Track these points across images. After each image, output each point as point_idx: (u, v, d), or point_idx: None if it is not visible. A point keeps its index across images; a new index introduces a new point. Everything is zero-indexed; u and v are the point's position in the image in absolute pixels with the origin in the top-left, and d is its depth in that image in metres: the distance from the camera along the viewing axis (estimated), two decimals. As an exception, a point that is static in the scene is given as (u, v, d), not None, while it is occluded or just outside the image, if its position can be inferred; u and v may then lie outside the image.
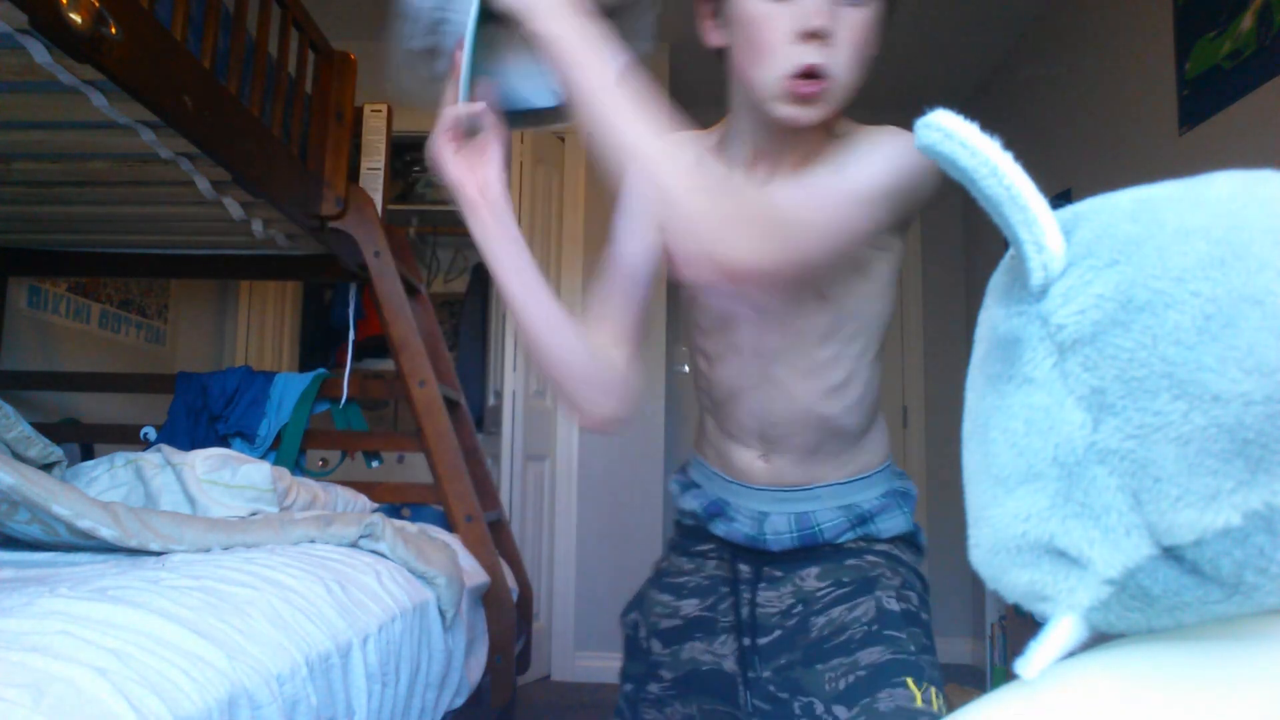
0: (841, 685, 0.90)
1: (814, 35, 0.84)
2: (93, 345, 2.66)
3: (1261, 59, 2.03)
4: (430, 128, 0.90)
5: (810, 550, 1.01)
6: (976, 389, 0.47)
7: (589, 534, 3.42)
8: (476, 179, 0.91)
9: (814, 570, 1.00)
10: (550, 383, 0.95)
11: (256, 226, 1.95)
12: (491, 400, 3.45)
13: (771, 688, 0.96)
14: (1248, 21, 2.08)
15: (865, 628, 0.93)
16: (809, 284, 0.91)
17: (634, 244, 0.99)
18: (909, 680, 0.88)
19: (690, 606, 1.06)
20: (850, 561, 0.99)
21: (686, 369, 3.99)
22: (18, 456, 1.76)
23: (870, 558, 1.00)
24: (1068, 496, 0.41)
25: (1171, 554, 0.39)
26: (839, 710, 0.88)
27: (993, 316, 0.46)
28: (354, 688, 1.21)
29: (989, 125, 0.40)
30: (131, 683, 0.76)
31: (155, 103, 1.32)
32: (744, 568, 1.04)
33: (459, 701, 1.72)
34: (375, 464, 2.39)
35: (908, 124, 0.44)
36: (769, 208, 0.80)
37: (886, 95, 3.98)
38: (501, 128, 0.89)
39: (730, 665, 1.01)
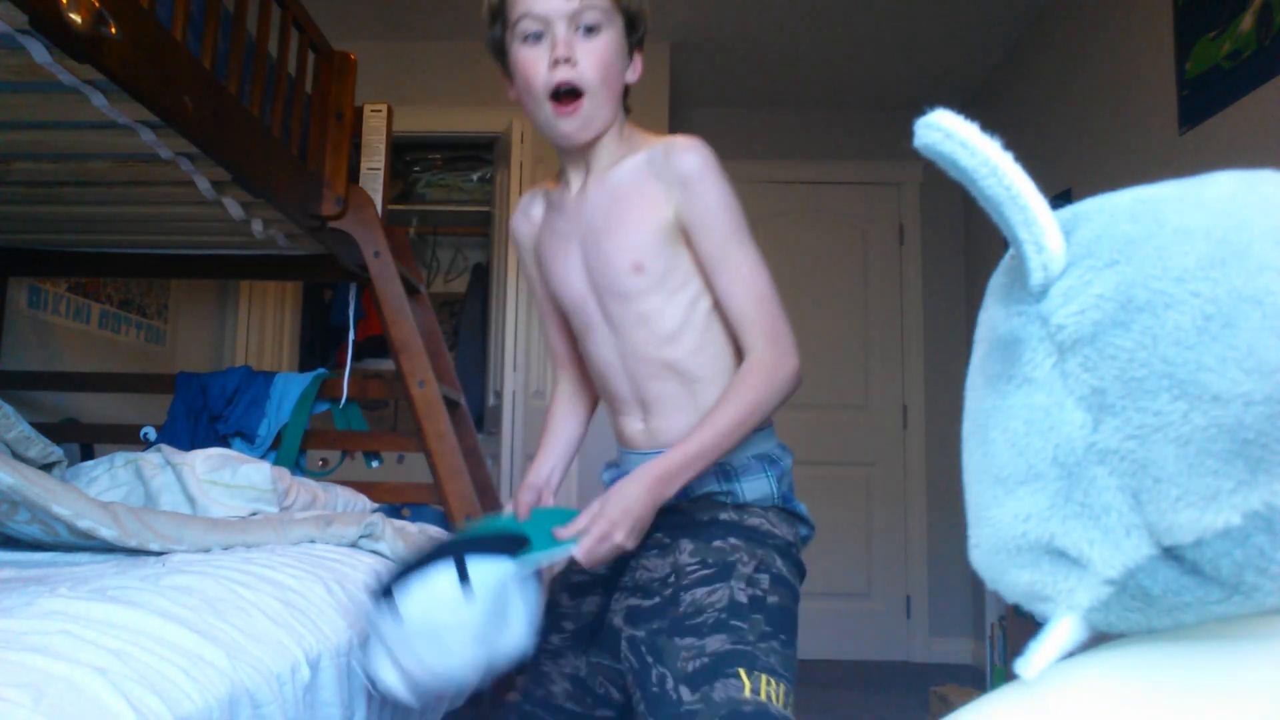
0: (690, 667, 1.00)
1: (560, 61, 1.08)
2: (93, 345, 2.66)
3: (1261, 59, 2.03)
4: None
5: (689, 516, 1.11)
6: (976, 389, 0.47)
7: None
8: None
9: (690, 545, 1.09)
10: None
11: (256, 226, 1.95)
12: (491, 400, 3.45)
13: (643, 648, 1.06)
14: (1248, 21, 2.08)
15: (717, 614, 1.02)
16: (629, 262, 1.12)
17: (537, 286, 1.32)
18: (741, 670, 0.97)
19: (585, 575, 1.20)
20: (716, 543, 1.08)
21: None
22: (18, 456, 1.76)
23: (734, 539, 1.08)
24: (1068, 497, 0.41)
25: (1171, 554, 0.39)
26: (684, 691, 0.99)
27: (993, 316, 0.46)
28: (355, 688, 1.21)
29: (989, 125, 0.40)
30: (131, 682, 0.76)
31: (155, 103, 1.32)
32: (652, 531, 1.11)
33: (459, 701, 1.72)
34: (375, 464, 2.39)
35: (908, 124, 0.44)
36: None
37: (887, 95, 3.98)
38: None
39: (618, 621, 1.11)
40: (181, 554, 1.32)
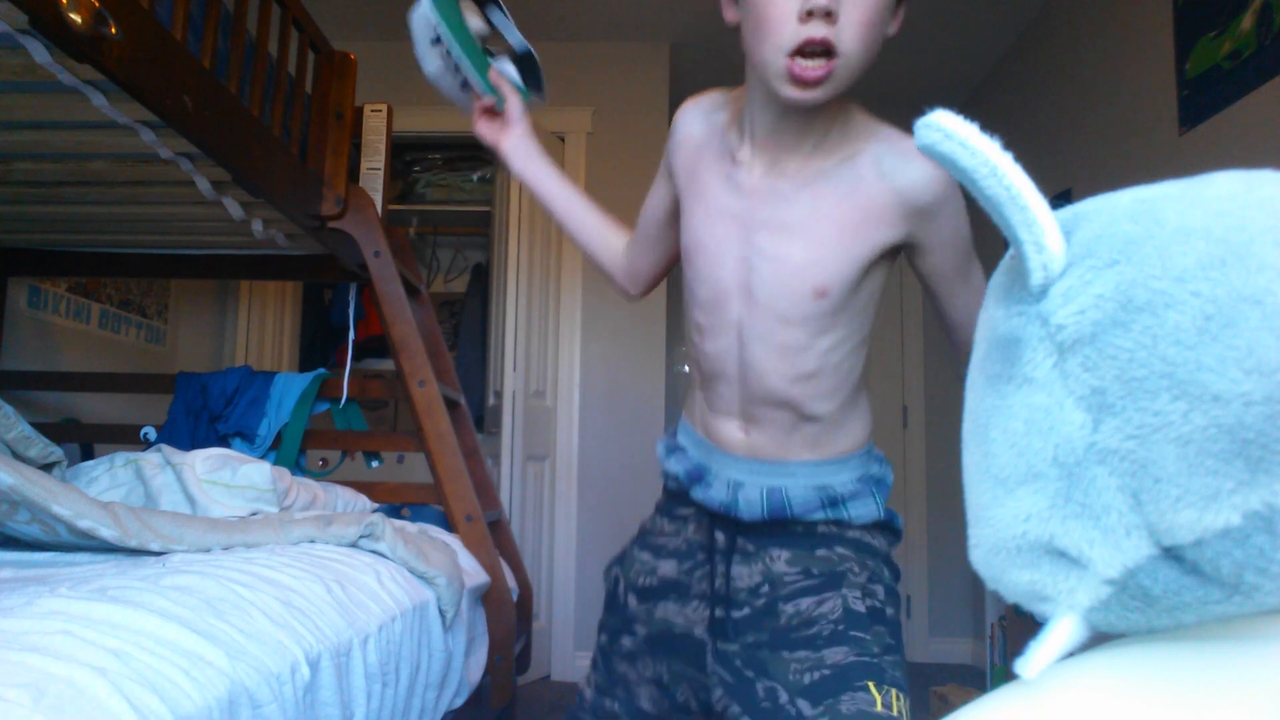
0: (806, 680, 0.93)
1: (817, 13, 0.85)
2: (93, 345, 2.66)
3: (1261, 59, 2.03)
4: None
5: (782, 528, 1.02)
6: (976, 389, 0.47)
7: (589, 534, 3.42)
8: (505, 138, 1.23)
9: (785, 554, 1.01)
10: (591, 262, 1.29)
11: (256, 226, 1.95)
12: (491, 400, 3.45)
13: (738, 662, 0.99)
14: (1248, 21, 2.08)
15: (832, 625, 0.96)
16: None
17: (655, 199, 1.17)
18: (870, 684, 0.91)
19: (668, 568, 1.09)
20: (820, 552, 1.00)
21: (686, 369, 3.99)
22: (18, 456, 1.76)
23: (840, 549, 1.01)
24: (1068, 497, 0.41)
25: (1171, 554, 0.39)
26: (803, 705, 0.92)
27: (993, 316, 0.46)
28: (354, 688, 1.21)
29: (989, 125, 0.40)
30: (131, 682, 0.76)
31: (155, 103, 1.32)
32: (720, 536, 1.05)
33: (459, 701, 1.72)
34: (375, 464, 2.39)
35: (908, 124, 0.44)
36: None
37: (887, 95, 3.98)
38: (514, 98, 1.23)
39: (700, 632, 1.04)
40: (181, 554, 1.32)
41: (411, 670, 1.45)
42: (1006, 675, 2.75)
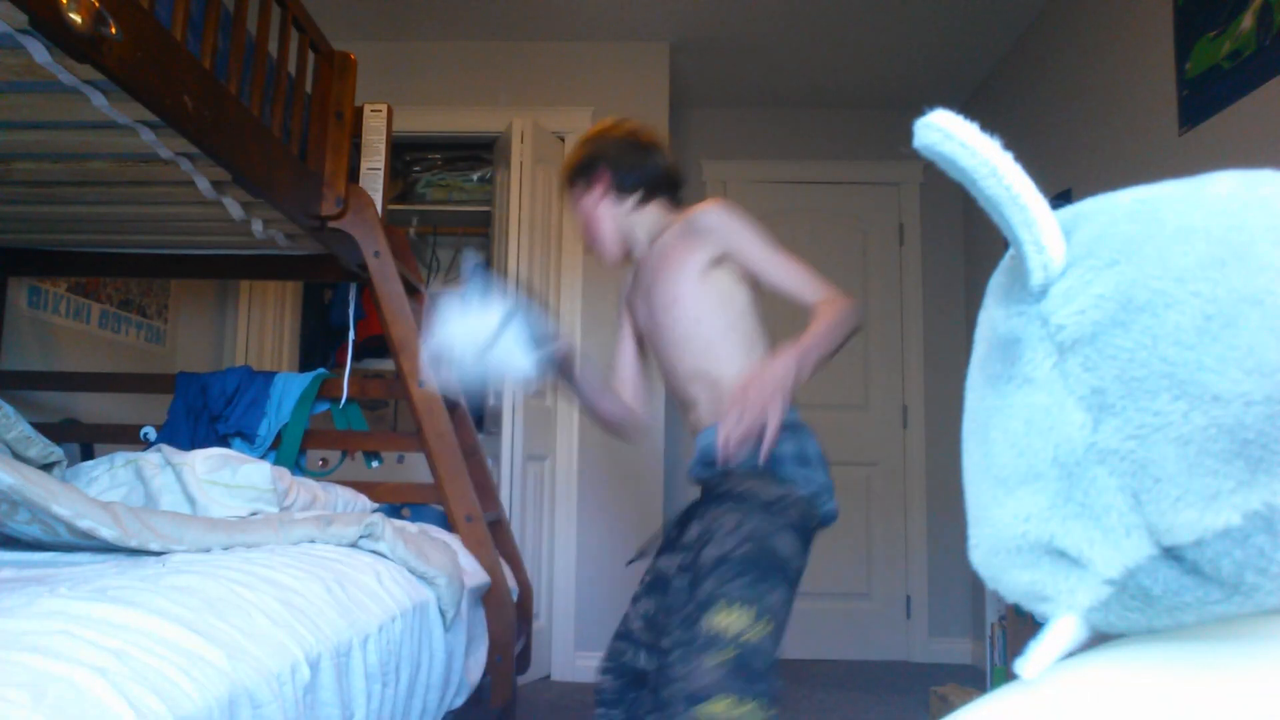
0: (679, 616, 1.31)
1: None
2: (93, 345, 2.66)
3: (1261, 59, 2.03)
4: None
5: (710, 488, 1.43)
6: (976, 389, 0.47)
7: (589, 534, 3.42)
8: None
9: (711, 511, 1.38)
10: (606, 427, 1.66)
11: (256, 226, 1.95)
12: (491, 400, 3.45)
13: (685, 589, 1.35)
14: (1248, 21, 2.08)
15: (708, 567, 1.30)
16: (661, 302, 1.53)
17: (628, 332, 1.69)
18: (720, 603, 1.25)
19: (675, 528, 1.51)
20: (727, 506, 1.36)
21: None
22: (18, 456, 1.76)
23: (727, 507, 1.35)
24: (1068, 497, 0.41)
25: (1171, 554, 0.39)
26: (677, 635, 1.29)
27: (993, 316, 0.46)
28: (354, 688, 1.21)
29: (989, 125, 0.40)
30: (131, 683, 0.76)
31: (155, 103, 1.32)
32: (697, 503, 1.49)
33: (459, 701, 1.72)
34: (375, 464, 2.39)
35: (908, 124, 0.44)
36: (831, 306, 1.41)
37: (887, 95, 3.99)
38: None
39: (672, 571, 1.43)
40: (181, 554, 1.32)
41: (411, 670, 1.45)
42: (1006, 675, 2.75)
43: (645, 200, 1.60)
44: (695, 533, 1.38)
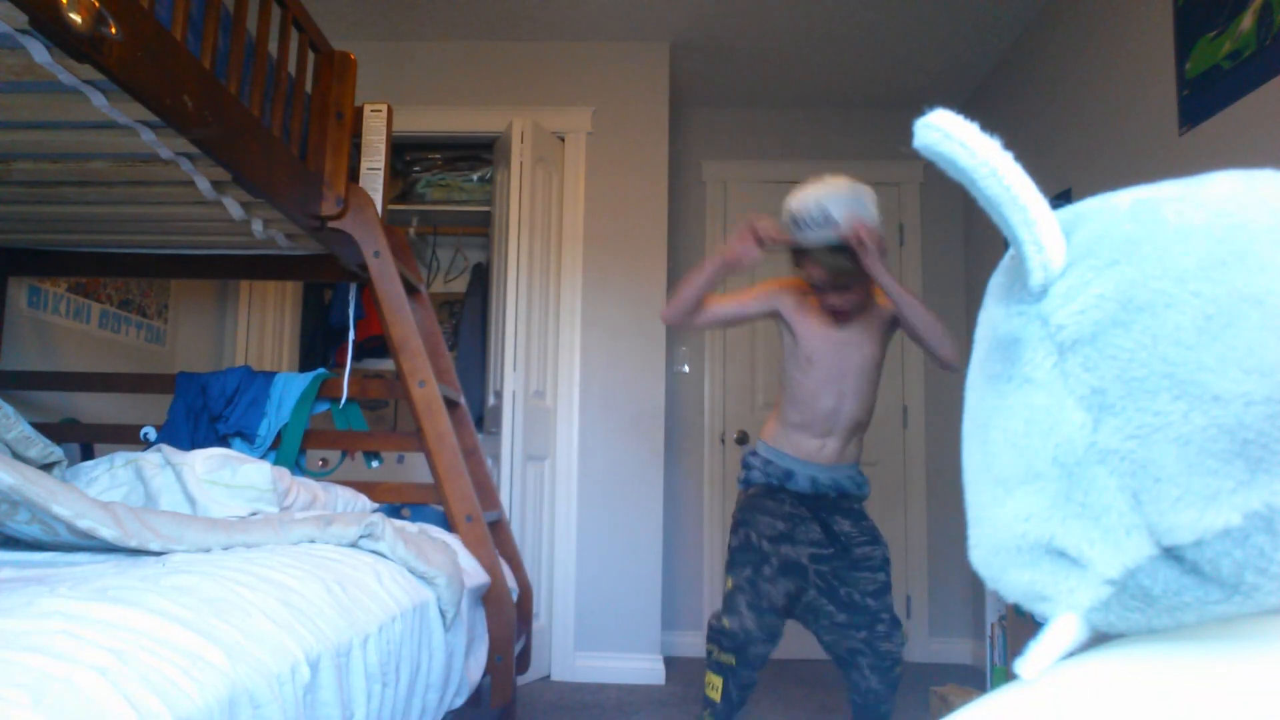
0: (870, 588, 2.06)
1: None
2: (93, 345, 2.66)
3: (1261, 59, 2.03)
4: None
5: (839, 503, 2.12)
6: (976, 389, 0.47)
7: (589, 534, 3.42)
8: (739, 257, 2.02)
9: (846, 521, 2.11)
10: (681, 296, 2.10)
11: (256, 226, 1.95)
12: (491, 400, 3.45)
13: (829, 577, 2.08)
14: (1248, 21, 2.08)
15: (880, 561, 2.08)
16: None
17: (740, 309, 2.20)
18: (891, 592, 2.06)
19: (782, 525, 2.08)
20: (865, 522, 2.13)
21: (686, 369, 3.99)
22: (18, 456, 1.76)
23: (867, 522, 2.13)
24: (1068, 497, 0.41)
25: (1171, 554, 0.39)
26: (870, 601, 2.05)
27: (993, 316, 0.46)
28: (354, 688, 1.21)
29: (989, 125, 0.40)
30: (131, 683, 0.76)
31: (155, 103, 1.32)
32: (805, 509, 2.11)
33: (459, 701, 1.72)
34: (375, 464, 2.39)
35: (908, 124, 0.44)
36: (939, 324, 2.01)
37: (887, 95, 3.99)
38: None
39: (804, 560, 2.08)
40: (181, 554, 1.32)
41: (411, 670, 1.45)
42: (1006, 675, 2.75)
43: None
44: (835, 530, 2.10)
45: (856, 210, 1.96)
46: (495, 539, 2.17)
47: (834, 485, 2.09)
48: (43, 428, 2.06)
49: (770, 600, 2.01)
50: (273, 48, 1.81)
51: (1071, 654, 0.43)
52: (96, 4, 1.15)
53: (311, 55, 2.02)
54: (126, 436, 2.34)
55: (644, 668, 3.33)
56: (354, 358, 2.41)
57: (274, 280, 3.21)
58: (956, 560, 3.82)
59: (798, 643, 3.87)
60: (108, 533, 1.28)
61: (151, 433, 2.31)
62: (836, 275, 1.99)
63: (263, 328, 3.49)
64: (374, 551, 1.56)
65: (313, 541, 1.51)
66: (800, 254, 2.05)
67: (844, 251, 1.97)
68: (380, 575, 1.47)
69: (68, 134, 1.52)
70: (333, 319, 3.86)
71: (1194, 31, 2.29)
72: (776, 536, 2.04)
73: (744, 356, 4.01)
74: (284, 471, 1.87)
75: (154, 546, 1.32)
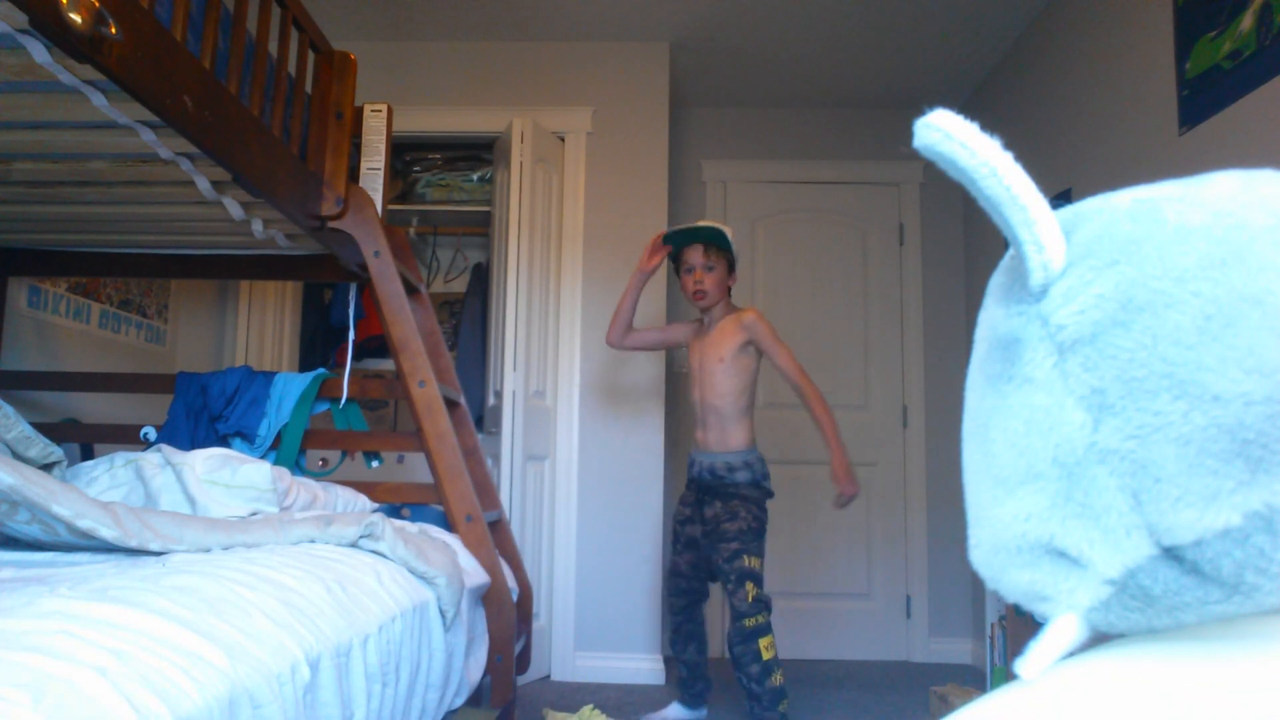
0: (726, 553, 2.56)
1: (697, 284, 2.75)
2: (93, 345, 2.66)
3: (1261, 59, 2.03)
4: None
5: (714, 488, 2.65)
6: (976, 389, 0.47)
7: (589, 534, 3.42)
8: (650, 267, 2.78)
9: (718, 503, 2.63)
10: (618, 317, 2.84)
11: (256, 226, 1.95)
12: (491, 400, 3.45)
13: (707, 546, 2.64)
14: (1248, 21, 2.08)
15: (734, 533, 2.57)
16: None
17: (661, 337, 2.97)
18: (744, 555, 2.55)
19: (686, 510, 2.74)
20: (731, 503, 2.61)
21: (686, 369, 3.99)
22: (18, 456, 1.76)
23: (734, 502, 2.61)
24: (1068, 497, 0.41)
25: (1171, 554, 0.39)
26: (724, 565, 2.56)
27: (993, 316, 0.46)
28: (354, 688, 1.21)
29: (989, 125, 0.40)
30: (131, 683, 0.76)
31: (155, 103, 1.32)
32: (696, 494, 2.73)
33: (459, 701, 1.72)
34: (375, 464, 2.39)
35: (908, 123, 0.44)
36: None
37: (887, 95, 3.99)
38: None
39: (698, 535, 2.68)
40: (181, 554, 1.32)
41: (411, 670, 1.45)
42: (1006, 675, 2.75)
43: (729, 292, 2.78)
44: (709, 512, 2.65)
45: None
46: (495, 539, 2.17)
47: (709, 470, 2.66)
48: (43, 428, 2.06)
49: (676, 567, 2.75)
50: (273, 48, 1.81)
51: (1071, 654, 0.43)
52: (96, 4, 1.15)
53: (311, 55, 2.02)
54: (126, 436, 2.34)
55: (644, 668, 3.33)
56: (354, 358, 2.41)
57: (274, 280, 3.21)
58: (956, 560, 3.82)
59: (798, 642, 3.88)
60: (108, 533, 1.28)
61: (151, 433, 2.31)
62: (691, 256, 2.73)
63: (263, 328, 3.49)
64: (374, 551, 1.56)
65: (313, 541, 1.51)
66: (677, 260, 2.78)
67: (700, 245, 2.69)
68: (380, 575, 1.47)
69: (68, 134, 1.52)
70: (333, 319, 3.86)
71: (1194, 31, 2.29)
72: (683, 520, 2.74)
73: (744, 356, 4.01)
74: (284, 471, 1.87)
75: (154, 546, 1.32)
